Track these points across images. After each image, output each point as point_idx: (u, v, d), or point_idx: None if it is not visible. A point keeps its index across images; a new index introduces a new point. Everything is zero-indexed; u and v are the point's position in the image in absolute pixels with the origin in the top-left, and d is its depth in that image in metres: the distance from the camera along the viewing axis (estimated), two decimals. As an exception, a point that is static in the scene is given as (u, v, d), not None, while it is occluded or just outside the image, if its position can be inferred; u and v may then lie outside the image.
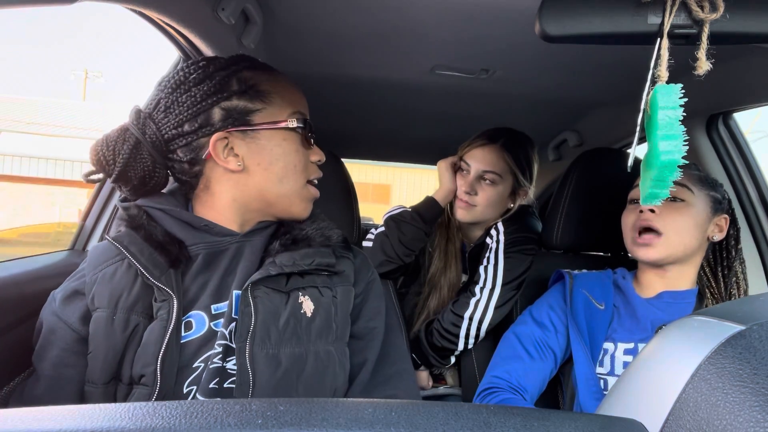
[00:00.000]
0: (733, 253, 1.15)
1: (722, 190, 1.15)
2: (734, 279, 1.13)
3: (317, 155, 0.89)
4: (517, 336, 1.21)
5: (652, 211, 1.08)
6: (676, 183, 1.08)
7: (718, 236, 1.12)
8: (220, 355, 0.76)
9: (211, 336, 0.77)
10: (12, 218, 12.76)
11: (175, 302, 0.75)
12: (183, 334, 0.77)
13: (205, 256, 0.81)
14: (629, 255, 1.43)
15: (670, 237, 1.07)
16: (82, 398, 0.76)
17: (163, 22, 0.99)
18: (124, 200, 0.87)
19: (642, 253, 1.10)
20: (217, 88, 0.81)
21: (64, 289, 0.81)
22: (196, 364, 0.76)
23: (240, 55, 0.88)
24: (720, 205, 1.12)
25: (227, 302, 0.79)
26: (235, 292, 0.79)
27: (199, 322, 0.78)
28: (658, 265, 1.12)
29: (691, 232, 1.08)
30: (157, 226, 0.82)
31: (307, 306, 0.81)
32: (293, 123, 0.84)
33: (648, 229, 1.10)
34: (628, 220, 1.15)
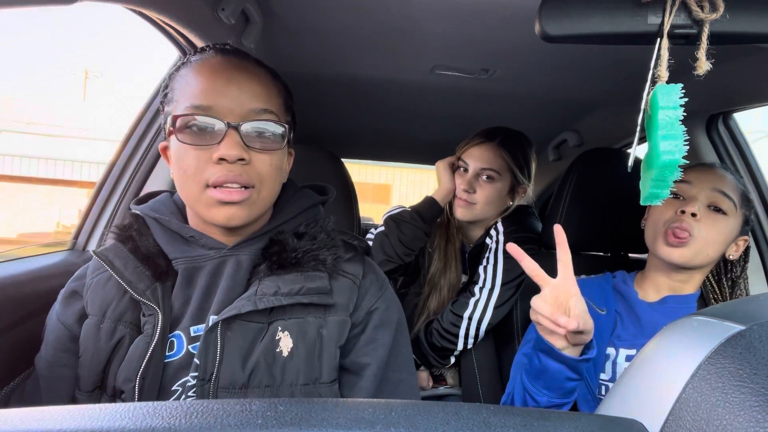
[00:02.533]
0: (738, 270, 1.12)
1: (754, 209, 1.11)
2: (738, 292, 1.11)
3: (220, 151, 0.71)
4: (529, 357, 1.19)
5: (694, 215, 1.02)
6: (725, 194, 1.05)
7: (734, 255, 1.09)
8: (194, 389, 0.72)
9: (188, 360, 0.73)
10: (12, 218, 12.77)
11: (160, 317, 0.72)
12: (167, 353, 0.73)
13: (184, 272, 0.76)
14: (629, 255, 1.44)
15: (698, 245, 1.03)
16: (75, 400, 0.76)
17: (163, 22, 0.99)
18: (138, 202, 0.85)
19: (668, 253, 1.04)
20: (163, 94, 0.79)
21: (65, 289, 0.81)
22: (174, 387, 0.73)
23: (199, 49, 0.81)
24: (747, 226, 1.09)
25: (204, 325, 0.74)
26: (212, 318, 0.73)
27: (179, 343, 0.74)
28: (676, 266, 1.08)
29: (717, 247, 1.04)
30: (149, 236, 0.79)
31: (285, 343, 0.73)
32: (168, 121, 0.74)
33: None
34: (664, 216, 1.06)
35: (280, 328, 0.73)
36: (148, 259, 0.77)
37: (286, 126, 0.77)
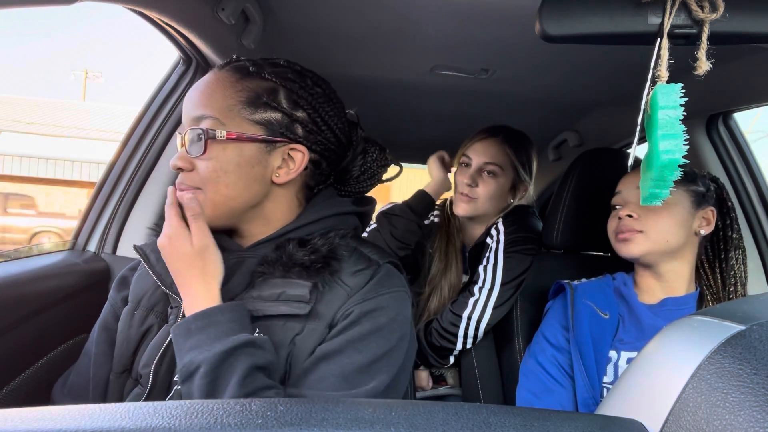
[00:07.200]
0: (729, 243, 1.13)
1: (706, 181, 1.14)
2: (732, 273, 1.12)
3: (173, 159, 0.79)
4: (541, 365, 1.18)
5: (630, 216, 1.09)
6: None
7: (705, 230, 1.11)
8: None
9: None
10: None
11: (183, 309, 0.75)
12: None
13: None
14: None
15: (651, 235, 1.08)
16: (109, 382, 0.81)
17: (163, 22, 0.99)
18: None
19: (624, 249, 1.11)
20: None
21: (119, 276, 0.89)
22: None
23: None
24: (704, 199, 1.11)
25: None
26: None
27: None
28: (645, 264, 1.11)
29: (673, 230, 1.08)
30: None
31: None
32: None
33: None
34: (611, 227, 1.17)
35: (258, 330, 0.74)
36: None
37: (204, 130, 0.75)
